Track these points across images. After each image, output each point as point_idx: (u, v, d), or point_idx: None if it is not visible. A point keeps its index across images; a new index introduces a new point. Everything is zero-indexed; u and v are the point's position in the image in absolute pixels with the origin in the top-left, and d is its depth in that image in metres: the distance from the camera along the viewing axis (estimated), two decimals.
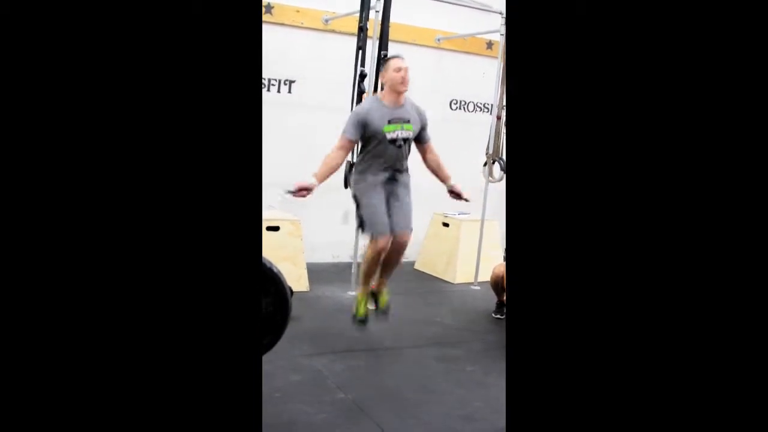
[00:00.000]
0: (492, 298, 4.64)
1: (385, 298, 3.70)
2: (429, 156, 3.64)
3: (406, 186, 3.54)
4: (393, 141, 3.39)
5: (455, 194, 3.60)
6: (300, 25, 5.27)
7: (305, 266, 4.82)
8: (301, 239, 4.75)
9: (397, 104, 3.42)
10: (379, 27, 4.44)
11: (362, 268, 3.59)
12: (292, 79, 5.27)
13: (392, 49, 4.61)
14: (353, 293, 4.66)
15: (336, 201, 5.35)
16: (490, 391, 3.25)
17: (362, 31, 4.43)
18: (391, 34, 4.61)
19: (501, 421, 2.90)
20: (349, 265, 4.86)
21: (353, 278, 4.75)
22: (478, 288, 5.31)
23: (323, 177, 3.31)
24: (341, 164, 3.47)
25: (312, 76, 5.29)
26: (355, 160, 3.63)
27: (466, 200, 3.56)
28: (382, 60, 4.30)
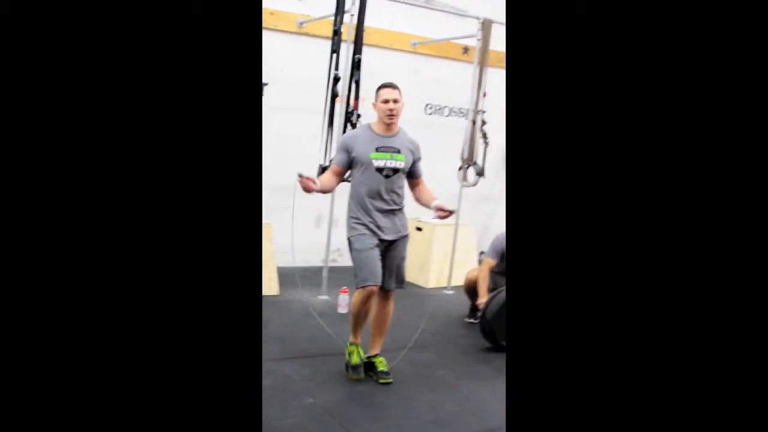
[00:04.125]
0: (465, 303, 4.64)
1: (381, 363, 3.36)
2: (419, 189, 3.39)
3: (403, 238, 3.31)
4: (380, 170, 3.17)
5: (440, 210, 3.22)
6: (274, 27, 5.23)
7: (275, 270, 4.78)
8: (271, 242, 4.71)
9: (388, 133, 3.24)
10: (354, 31, 4.43)
11: (351, 317, 3.36)
12: (266, 82, 5.23)
13: (368, 53, 4.61)
14: (324, 297, 4.64)
15: (307, 205, 5.33)
16: (462, 394, 3.24)
17: (337, 34, 4.42)
18: (366, 38, 4.61)
19: (474, 424, 2.90)
20: (320, 270, 4.83)
21: (324, 282, 4.73)
22: (451, 292, 5.31)
23: (320, 190, 3.15)
24: (331, 188, 3.30)
25: (286, 79, 5.25)
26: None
27: (452, 212, 3.25)
28: (355, 77, 4.26)
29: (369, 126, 3.31)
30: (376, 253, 3.19)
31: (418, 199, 3.40)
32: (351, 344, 3.38)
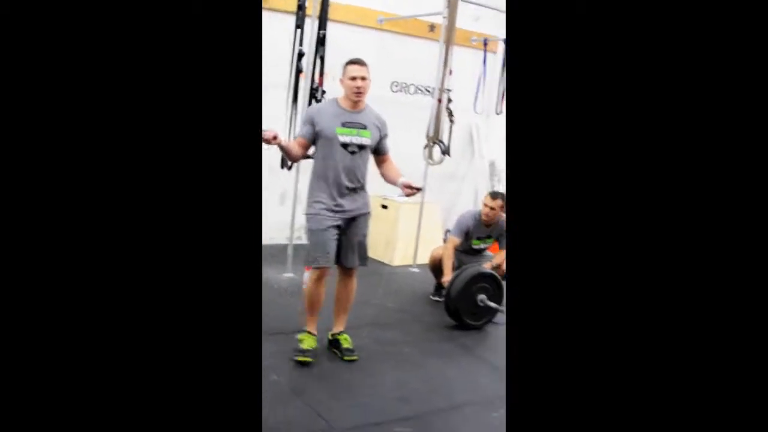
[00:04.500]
0: (430, 281, 4.66)
1: (346, 340, 3.34)
2: (386, 166, 3.35)
3: (364, 215, 3.27)
4: (345, 146, 3.11)
5: (407, 187, 3.16)
6: None
7: None
8: None
9: (355, 108, 3.18)
10: (319, 6, 4.37)
11: (305, 299, 3.33)
12: None
13: (333, 29, 4.55)
14: (289, 275, 4.61)
15: (271, 182, 5.28)
16: (426, 372, 3.26)
17: (301, 9, 4.36)
18: (332, 14, 4.55)
19: (438, 402, 2.92)
20: (285, 247, 4.80)
21: (289, 260, 4.70)
22: (416, 270, 5.33)
23: (284, 150, 3.15)
24: (297, 155, 3.22)
25: None
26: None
27: (420, 188, 3.22)
28: (320, 53, 4.21)
29: (335, 100, 3.25)
30: (331, 234, 3.14)
31: (384, 176, 3.36)
32: (305, 333, 3.31)
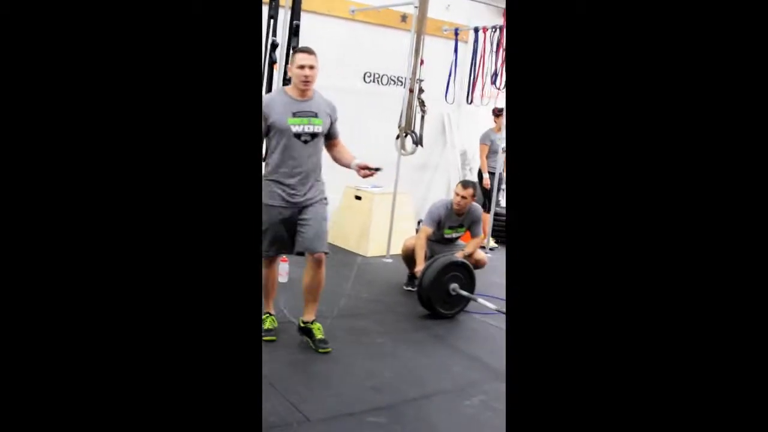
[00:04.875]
0: (403, 271, 4.70)
1: (319, 330, 3.37)
2: (338, 150, 3.36)
3: (320, 201, 3.29)
4: (298, 135, 3.14)
5: (364, 168, 3.21)
6: None
7: None
8: None
9: (304, 97, 3.19)
10: None
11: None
12: None
13: (305, 19, 4.54)
14: None
15: None
16: (399, 361, 3.29)
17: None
18: (304, 4, 4.55)
19: (411, 391, 2.95)
20: None
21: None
22: (390, 261, 5.36)
23: None
24: None
25: None
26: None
27: (378, 169, 3.21)
28: (293, 43, 4.20)
29: (284, 90, 3.28)
30: (282, 227, 3.24)
31: (337, 160, 3.38)
32: (265, 314, 3.46)
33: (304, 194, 3.22)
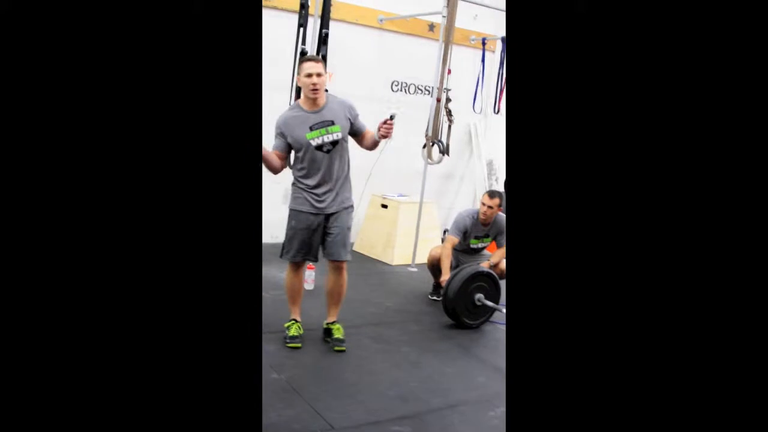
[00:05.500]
0: (429, 280, 4.68)
1: (338, 331, 3.48)
2: (365, 139, 3.32)
3: (346, 209, 3.33)
4: (319, 147, 3.17)
5: (383, 125, 3.11)
6: None
7: None
8: None
9: (316, 108, 3.18)
10: (321, 5, 4.38)
11: (286, 293, 3.53)
12: None
13: (334, 28, 4.57)
14: None
15: (274, 179, 5.29)
16: (424, 371, 3.28)
17: (304, 8, 4.37)
18: (333, 13, 4.57)
19: (435, 401, 2.94)
20: None
21: None
22: (415, 270, 5.35)
23: (264, 162, 3.10)
24: (277, 166, 3.21)
25: None
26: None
27: (392, 116, 3.10)
28: (322, 51, 4.21)
29: (298, 105, 3.27)
30: (308, 233, 3.28)
31: (369, 147, 3.34)
32: (291, 321, 3.47)
33: (331, 202, 3.27)
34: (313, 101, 3.18)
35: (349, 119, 3.26)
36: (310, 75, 3.10)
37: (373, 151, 3.44)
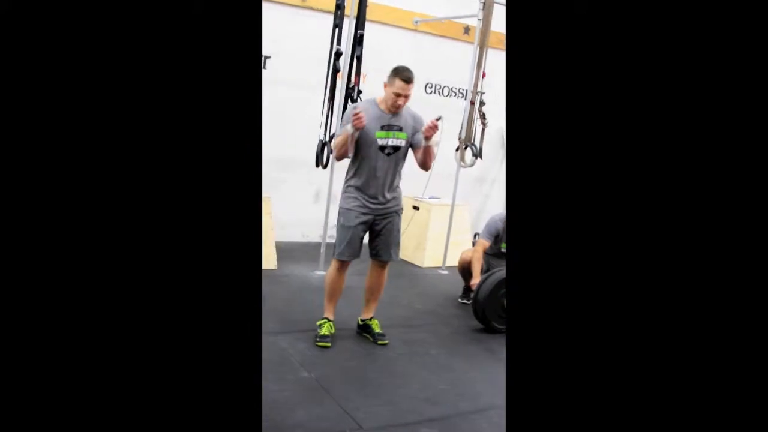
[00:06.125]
0: (459, 283, 4.67)
1: (377, 326, 3.58)
2: (420, 153, 3.33)
3: (396, 212, 3.41)
4: (382, 148, 3.23)
5: (429, 129, 3.17)
6: (277, 0, 5.19)
7: (273, 244, 4.79)
8: (270, 216, 4.72)
9: (395, 109, 3.25)
10: (357, 6, 4.40)
11: (326, 288, 3.53)
12: (268, 55, 5.20)
13: (369, 29, 4.58)
14: (321, 272, 4.65)
15: (307, 179, 5.33)
16: (454, 374, 3.27)
17: (339, 8, 4.38)
18: (369, 14, 4.58)
19: (464, 404, 2.93)
20: (318, 245, 4.84)
21: (322, 258, 4.74)
22: (445, 272, 5.33)
23: (346, 140, 3.14)
24: (348, 153, 3.22)
25: (287, 53, 5.22)
26: (330, 141, 3.45)
27: (439, 118, 3.20)
28: (357, 52, 4.25)
29: (375, 102, 3.31)
30: (359, 231, 3.33)
31: (422, 162, 3.34)
32: (324, 319, 3.50)
33: (383, 204, 3.32)
34: (394, 109, 3.24)
35: (414, 131, 3.31)
36: (398, 95, 3.18)
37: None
